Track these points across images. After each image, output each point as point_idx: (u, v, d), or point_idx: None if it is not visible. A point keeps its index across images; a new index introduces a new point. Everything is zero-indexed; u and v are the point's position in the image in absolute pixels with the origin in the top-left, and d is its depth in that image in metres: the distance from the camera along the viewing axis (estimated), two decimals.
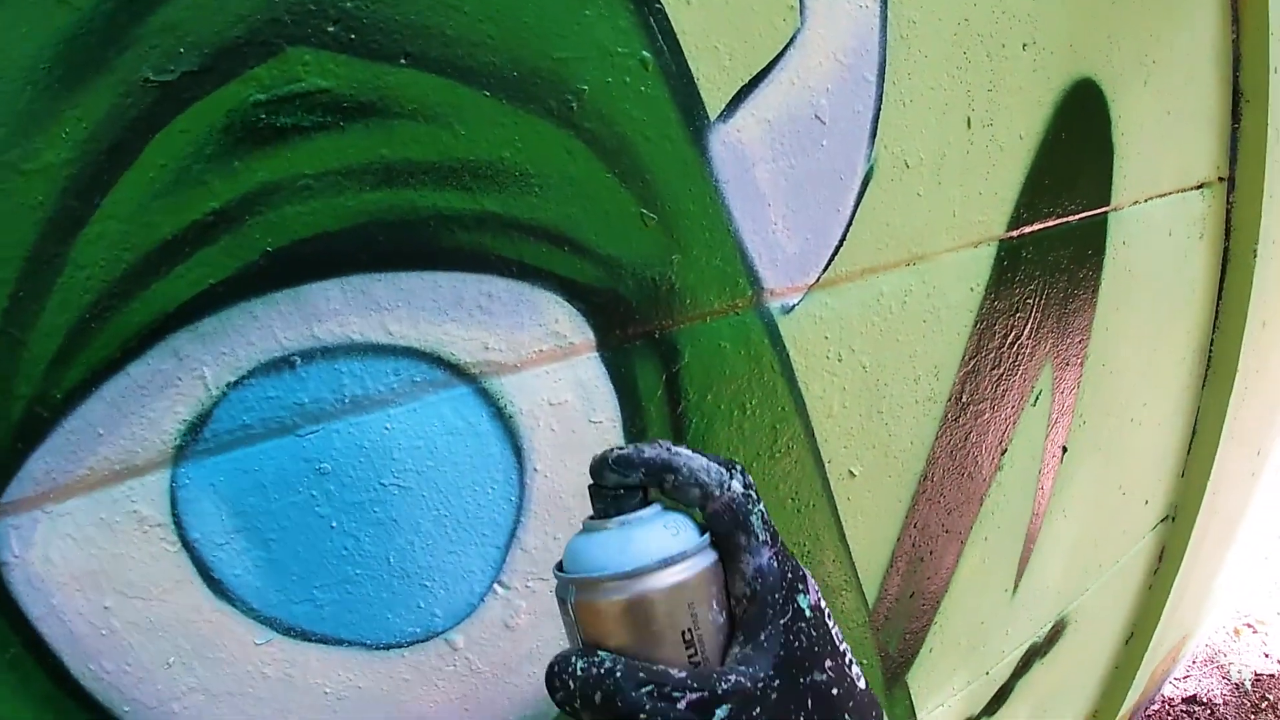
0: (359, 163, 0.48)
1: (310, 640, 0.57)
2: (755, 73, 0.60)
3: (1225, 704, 2.19)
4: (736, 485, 0.40)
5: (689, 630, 0.38)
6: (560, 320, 0.56)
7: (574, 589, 0.39)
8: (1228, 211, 1.23)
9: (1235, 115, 1.18)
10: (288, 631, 0.56)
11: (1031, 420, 1.01)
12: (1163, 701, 2.25)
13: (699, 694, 0.36)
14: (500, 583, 0.63)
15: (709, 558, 0.39)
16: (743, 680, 0.37)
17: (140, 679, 0.52)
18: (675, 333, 0.61)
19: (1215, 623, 2.36)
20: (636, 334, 0.59)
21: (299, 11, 0.44)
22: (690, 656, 0.39)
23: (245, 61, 0.44)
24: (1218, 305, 1.29)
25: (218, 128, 0.44)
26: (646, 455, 0.40)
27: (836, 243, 0.69)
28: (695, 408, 0.65)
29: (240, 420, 0.51)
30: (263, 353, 0.50)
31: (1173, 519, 1.45)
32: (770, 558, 0.39)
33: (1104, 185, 0.99)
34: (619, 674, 0.37)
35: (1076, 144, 0.92)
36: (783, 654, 0.38)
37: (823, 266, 0.69)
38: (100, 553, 0.48)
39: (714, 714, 0.36)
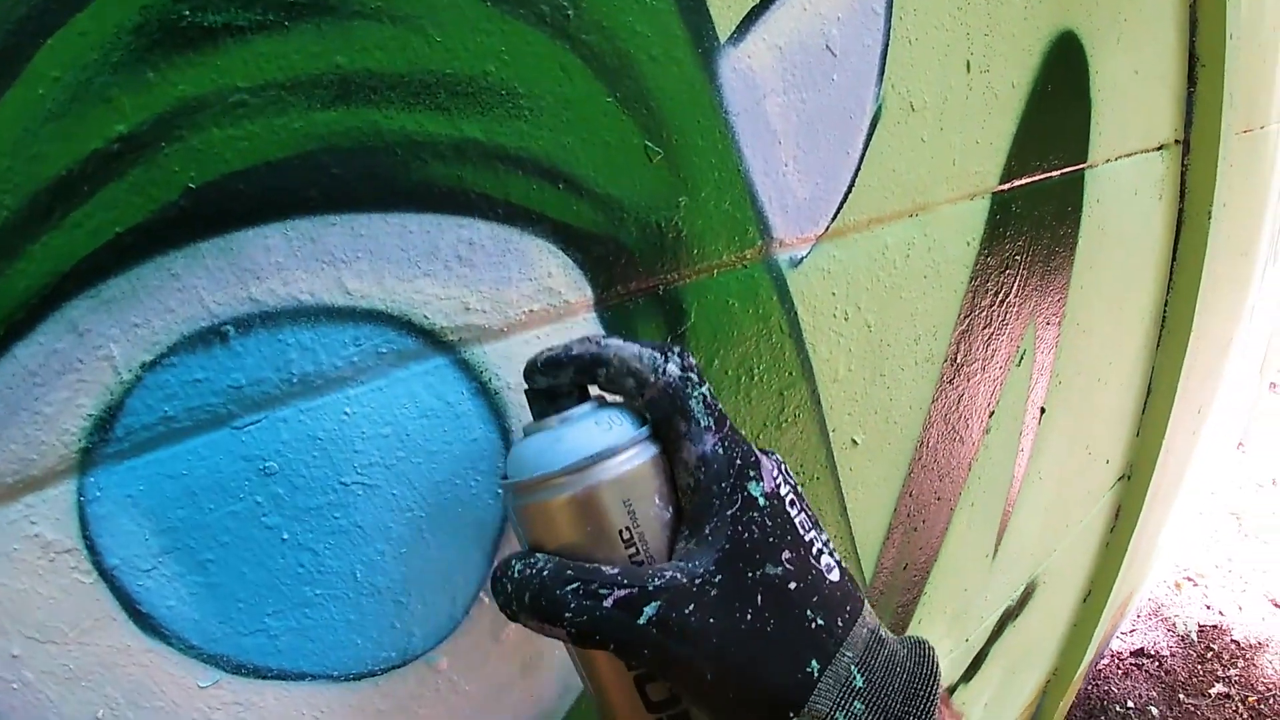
0: (308, 73, 0.38)
1: (266, 678, 0.48)
2: None
3: (1173, 655, 2.31)
4: (673, 368, 0.38)
5: (628, 528, 0.37)
6: (554, 274, 0.47)
7: (510, 493, 0.39)
8: (1183, 173, 1.24)
9: (1191, 79, 1.18)
10: (238, 669, 0.47)
11: (1016, 381, 0.98)
12: (1112, 656, 2.34)
13: (627, 591, 0.34)
14: (487, 592, 0.54)
15: (648, 451, 0.38)
16: (678, 576, 0.35)
17: None
18: (681, 288, 0.53)
19: (1157, 577, 2.48)
20: (639, 290, 0.51)
21: None
22: (631, 555, 0.37)
23: None
24: (1172, 265, 1.31)
25: (128, 28, 0.35)
26: (575, 352, 0.39)
27: (846, 188, 0.62)
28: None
29: (161, 411, 0.41)
30: (186, 322, 0.40)
31: (1129, 478, 1.48)
32: (715, 444, 0.37)
33: (1082, 141, 0.97)
34: (546, 573, 0.35)
35: (1060, 97, 0.89)
36: (728, 547, 0.36)
37: (832, 214, 0.62)
38: (0, 590, 0.40)
39: (642, 612, 0.34)
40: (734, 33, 0.51)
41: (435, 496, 0.48)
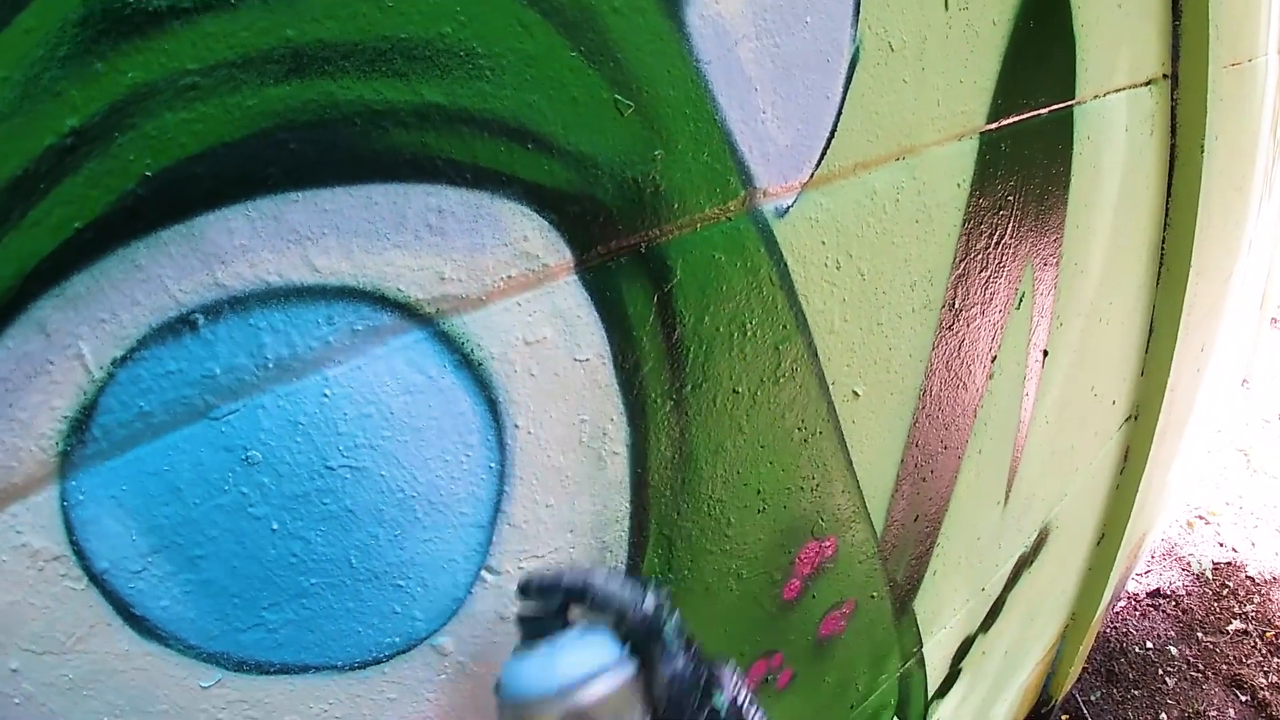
0: (258, 49, 0.37)
1: (268, 673, 0.47)
2: None
3: (1189, 594, 2.31)
4: (650, 602, 0.45)
5: None
6: (529, 237, 0.45)
7: (513, 710, 0.45)
8: (1173, 108, 1.21)
9: (1176, 11, 1.15)
10: (239, 666, 0.47)
11: (1016, 324, 0.97)
12: (1129, 598, 2.35)
13: None
14: (489, 568, 0.53)
15: (628, 669, 0.45)
16: None
17: None
18: (664, 245, 0.52)
19: (1170, 517, 2.48)
20: (620, 249, 0.50)
21: None
22: None
23: None
24: (1168, 202, 1.28)
25: (72, 21, 0.34)
26: (564, 583, 0.47)
27: (828, 133, 0.61)
28: (692, 333, 0.56)
29: (136, 407, 0.40)
30: (154, 314, 0.39)
31: (1136, 418, 1.47)
32: (685, 664, 0.45)
33: (1069, 78, 0.95)
34: None
35: (1043, 34, 0.87)
36: None
37: (815, 161, 0.60)
38: None
39: None
40: None
41: (426, 474, 0.47)
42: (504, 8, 0.41)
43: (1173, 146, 1.26)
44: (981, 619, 1.27)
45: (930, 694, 1.24)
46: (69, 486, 0.40)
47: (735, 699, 0.46)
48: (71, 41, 0.34)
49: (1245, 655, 2.12)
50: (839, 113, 0.61)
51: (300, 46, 0.38)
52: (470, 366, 0.46)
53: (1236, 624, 2.22)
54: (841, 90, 0.61)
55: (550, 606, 0.47)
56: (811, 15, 0.57)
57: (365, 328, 0.42)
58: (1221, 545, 2.49)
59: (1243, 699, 2.02)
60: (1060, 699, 2.01)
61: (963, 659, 1.30)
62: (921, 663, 1.14)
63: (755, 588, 0.72)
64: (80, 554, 0.41)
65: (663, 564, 0.62)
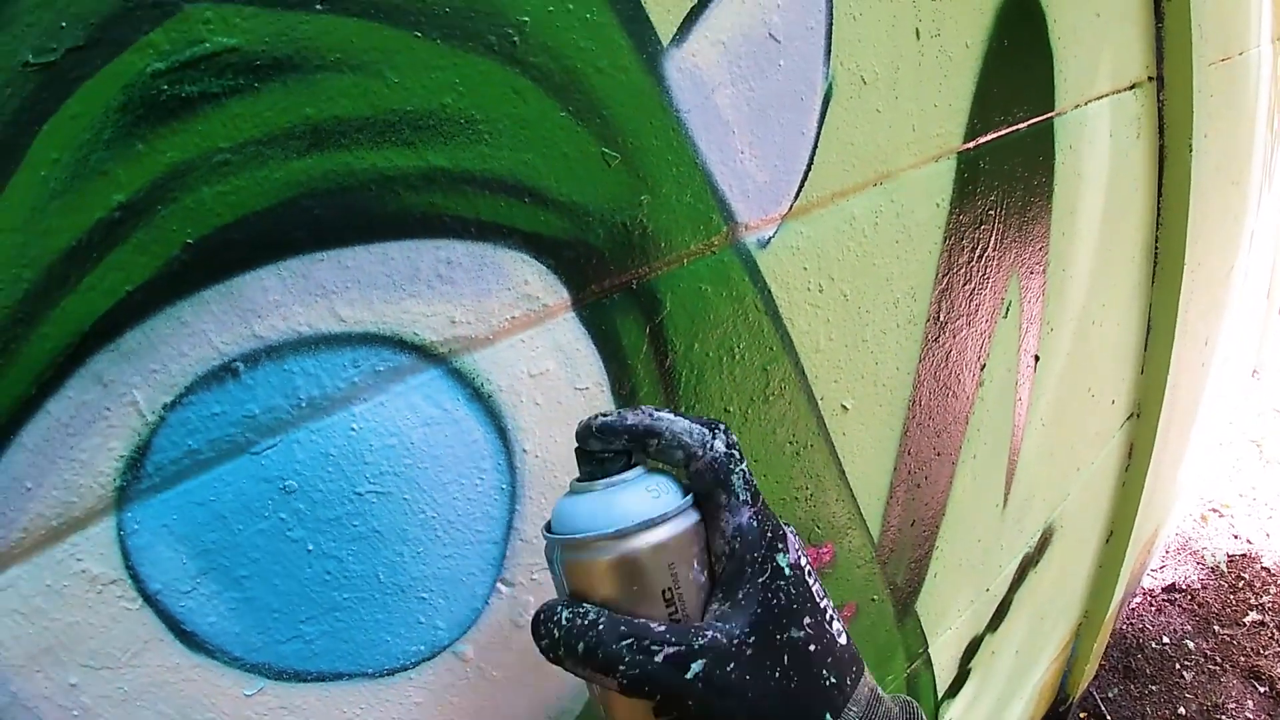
0: (281, 127, 0.42)
1: (305, 680, 0.51)
2: None
3: (1204, 588, 2.31)
4: (719, 444, 0.41)
5: (669, 589, 0.40)
6: (530, 281, 0.50)
7: (561, 548, 0.42)
8: (1160, 109, 1.25)
9: (1158, 14, 1.19)
10: (279, 675, 0.51)
11: (1005, 332, 1.00)
12: (1144, 594, 2.35)
13: (676, 648, 0.38)
14: (503, 580, 0.58)
15: (690, 518, 0.41)
16: (719, 636, 0.39)
17: None
18: (654, 280, 0.56)
19: (1182, 511, 2.48)
20: (613, 286, 0.55)
21: None
22: (671, 614, 0.40)
23: (138, 28, 0.38)
24: (1159, 202, 1.31)
25: (114, 107, 0.38)
26: (629, 422, 0.42)
27: (805, 167, 0.65)
28: (684, 359, 0.60)
29: (185, 446, 0.44)
30: (199, 363, 0.43)
31: (1138, 416, 1.49)
32: (750, 517, 0.41)
33: (1047, 91, 0.98)
34: (601, 626, 0.38)
35: (1018, 51, 0.91)
36: (759, 611, 0.40)
37: (794, 194, 0.65)
38: (54, 624, 0.43)
39: (689, 668, 0.38)
40: (676, 34, 0.54)
41: (444, 496, 0.52)
42: (498, 77, 0.47)
43: (1161, 147, 1.30)
44: (988, 619, 1.30)
45: (940, 694, 1.27)
46: (125, 517, 0.44)
47: (798, 562, 0.42)
48: (114, 125, 0.39)
49: (1263, 646, 2.12)
50: (814, 146, 0.66)
51: (318, 123, 0.43)
52: (481, 399, 0.51)
53: (1253, 615, 2.22)
54: (816, 125, 0.65)
55: (612, 447, 0.42)
56: (784, 58, 0.62)
57: (386, 368, 0.47)
58: (1236, 537, 2.48)
59: (1261, 690, 2.02)
60: (1078, 697, 2.02)
61: (972, 659, 1.32)
62: (928, 663, 1.17)
63: None
64: (135, 577, 0.45)
65: None
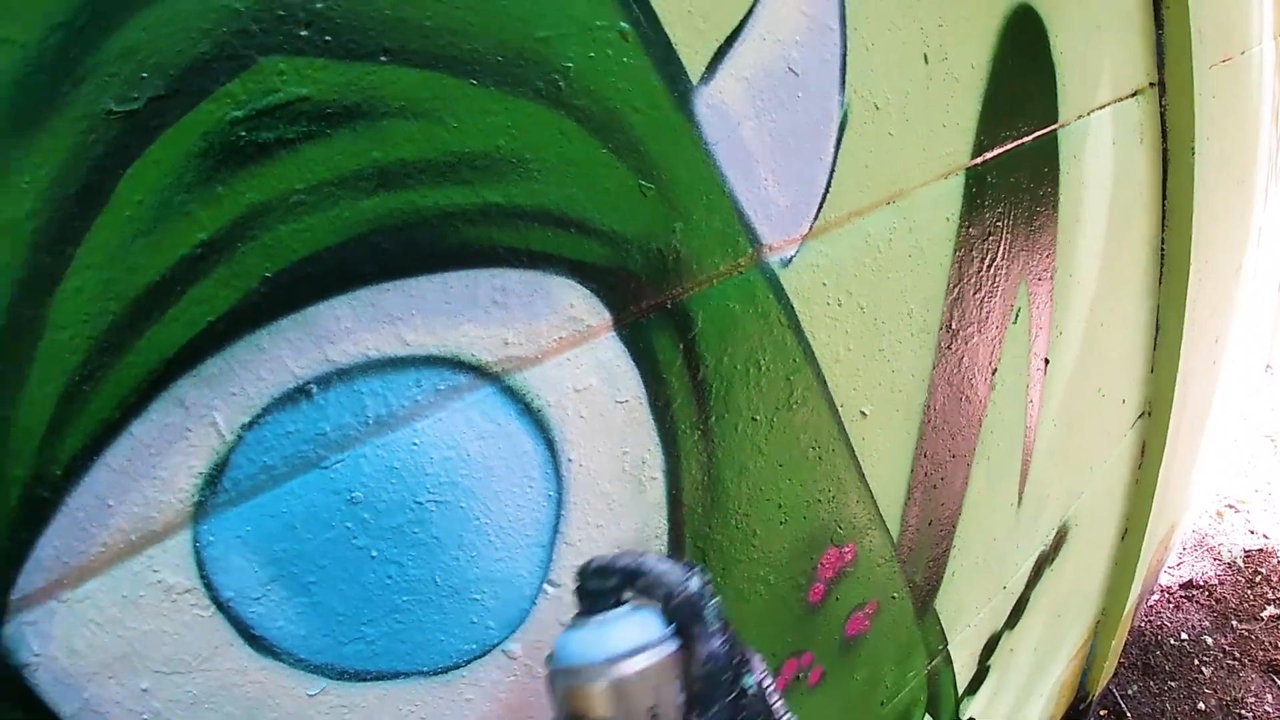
0: (351, 170, 0.46)
1: (365, 680, 0.55)
2: (729, 33, 0.59)
3: (1221, 583, 2.32)
4: (695, 583, 0.48)
5: (653, 707, 0.46)
6: (575, 304, 0.55)
7: (561, 677, 0.49)
8: (1162, 115, 1.28)
9: (1158, 21, 1.22)
10: (341, 676, 0.54)
11: (1014, 338, 1.04)
12: (1161, 590, 2.37)
13: None
14: (550, 582, 0.61)
15: (671, 646, 0.47)
16: None
17: None
18: (686, 300, 0.61)
19: (1198, 508, 2.49)
20: (650, 307, 0.59)
21: (266, 19, 0.41)
22: None
23: (216, 78, 0.41)
24: (1164, 204, 1.34)
25: (195, 153, 0.41)
26: (620, 564, 0.50)
27: (823, 190, 0.69)
28: (714, 372, 0.64)
29: (261, 462, 0.48)
30: (275, 386, 0.47)
31: (1149, 414, 1.52)
32: (720, 644, 0.47)
33: (1050, 104, 1.02)
34: None
35: (1022, 68, 0.95)
36: None
37: (813, 215, 0.69)
38: (129, 633, 0.45)
39: None
40: (704, 73, 0.58)
41: (497, 504, 0.56)
42: (546, 119, 0.51)
43: (1164, 151, 1.33)
44: (1006, 616, 1.33)
45: (960, 691, 1.30)
46: (201, 530, 0.47)
47: (762, 682, 0.49)
48: (195, 170, 0.41)
49: None
50: (832, 170, 0.70)
51: (385, 165, 0.46)
52: (531, 413, 0.55)
53: (1271, 610, 2.23)
54: (833, 151, 0.69)
55: (606, 585, 0.50)
56: (803, 90, 0.66)
57: (446, 387, 0.51)
58: (1252, 533, 2.49)
59: None
60: (1097, 694, 2.04)
61: (990, 656, 1.35)
62: (948, 660, 1.20)
63: (782, 591, 0.80)
64: (209, 586, 0.48)
65: None
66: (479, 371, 0.52)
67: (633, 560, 0.50)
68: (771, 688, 0.49)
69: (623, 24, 0.53)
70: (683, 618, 0.48)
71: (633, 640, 0.47)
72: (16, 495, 0.41)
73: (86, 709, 0.45)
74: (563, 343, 0.55)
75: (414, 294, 0.49)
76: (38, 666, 0.43)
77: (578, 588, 0.52)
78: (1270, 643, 2.14)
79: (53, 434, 0.41)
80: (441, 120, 0.47)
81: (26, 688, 0.43)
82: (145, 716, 0.46)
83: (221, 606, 0.48)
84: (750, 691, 0.48)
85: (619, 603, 0.50)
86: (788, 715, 0.49)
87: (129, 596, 0.45)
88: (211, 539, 0.47)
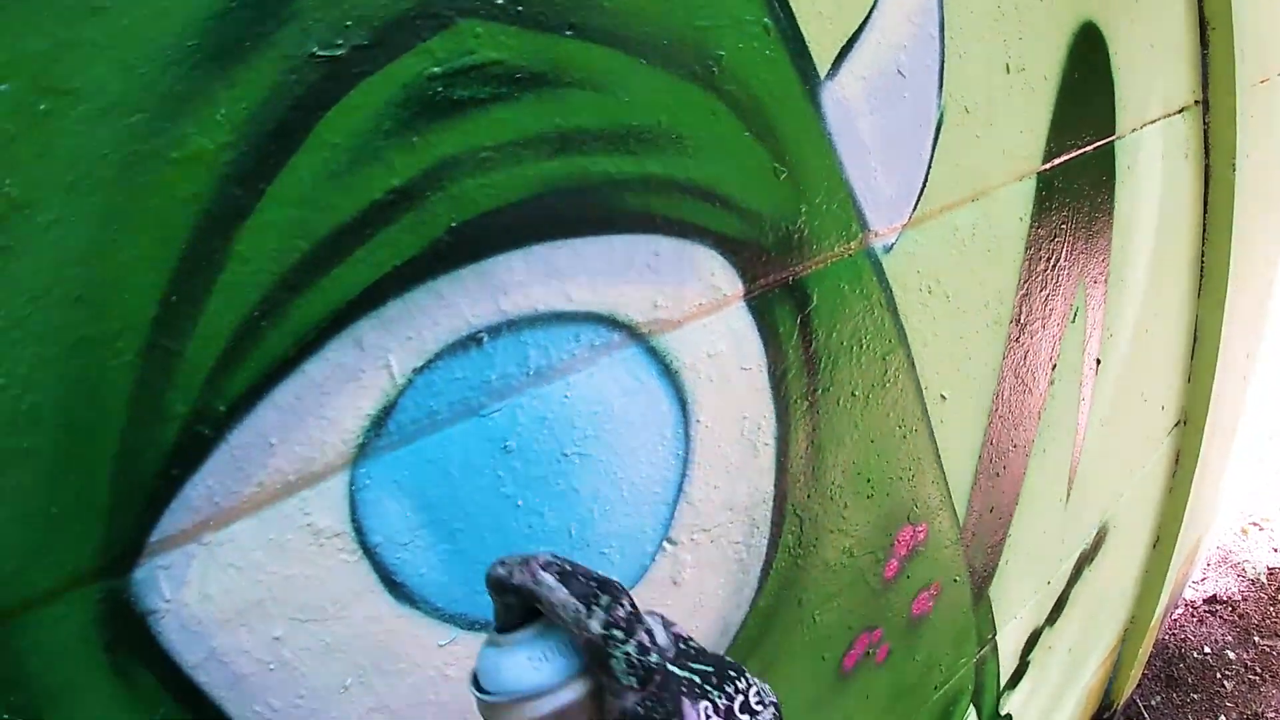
0: (535, 132, 0.48)
1: None
2: (851, 34, 0.64)
3: (1245, 599, 2.35)
4: (595, 626, 0.37)
5: None
6: (715, 273, 0.59)
7: (474, 697, 0.42)
8: (1205, 132, 1.33)
9: (1204, 42, 1.27)
10: (471, 626, 0.54)
11: (1072, 336, 1.08)
12: (1185, 605, 2.39)
13: None
14: (668, 539, 0.65)
15: (574, 691, 0.39)
16: None
17: (313, 710, 0.48)
18: (806, 277, 0.65)
19: (1223, 525, 2.52)
20: (775, 281, 0.63)
21: None
22: None
23: (417, 34, 0.42)
24: (1204, 218, 1.39)
25: (394, 102, 0.42)
26: (514, 580, 0.39)
27: (921, 184, 0.74)
28: (824, 347, 0.69)
29: (427, 407, 0.49)
30: (450, 333, 0.48)
31: (1184, 423, 1.56)
32: (635, 703, 0.37)
33: (1109, 116, 1.07)
34: None
35: (1086, 81, 1.00)
36: None
37: (912, 207, 0.74)
38: (269, 577, 0.45)
39: None
40: (830, 70, 0.63)
41: (633, 460, 0.60)
42: (700, 101, 0.56)
43: (1207, 166, 1.38)
44: (1048, 612, 1.36)
45: (1002, 684, 1.33)
46: (358, 473, 0.46)
47: None
48: (393, 118, 0.42)
49: None
50: (929, 167, 0.75)
51: (564, 131, 0.50)
52: (669, 374, 0.59)
53: None
54: (931, 149, 0.74)
55: (505, 600, 0.40)
56: (908, 91, 0.71)
57: (600, 344, 0.56)
58: (1276, 550, 2.52)
59: None
60: (1122, 703, 2.06)
61: (1030, 651, 1.38)
62: (995, 650, 1.23)
63: (863, 565, 0.84)
64: (359, 530, 0.47)
65: (794, 540, 0.75)
66: (629, 331, 0.57)
67: (529, 580, 0.39)
68: None
69: (766, 19, 0.58)
70: (590, 660, 0.38)
71: (522, 681, 0.39)
72: (175, 432, 0.40)
73: (212, 658, 0.44)
74: (702, 309, 0.59)
75: (581, 253, 0.53)
76: (165, 614, 0.42)
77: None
78: None
79: (222, 369, 0.40)
80: (614, 94, 0.51)
81: (149, 637, 0.41)
82: (272, 666, 0.46)
83: (368, 551, 0.48)
84: None
85: (533, 618, 0.41)
86: None
87: (275, 540, 0.44)
88: (368, 482, 0.47)
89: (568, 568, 0.39)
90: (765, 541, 0.72)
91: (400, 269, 0.45)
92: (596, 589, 0.38)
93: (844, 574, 0.82)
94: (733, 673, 0.41)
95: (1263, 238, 1.63)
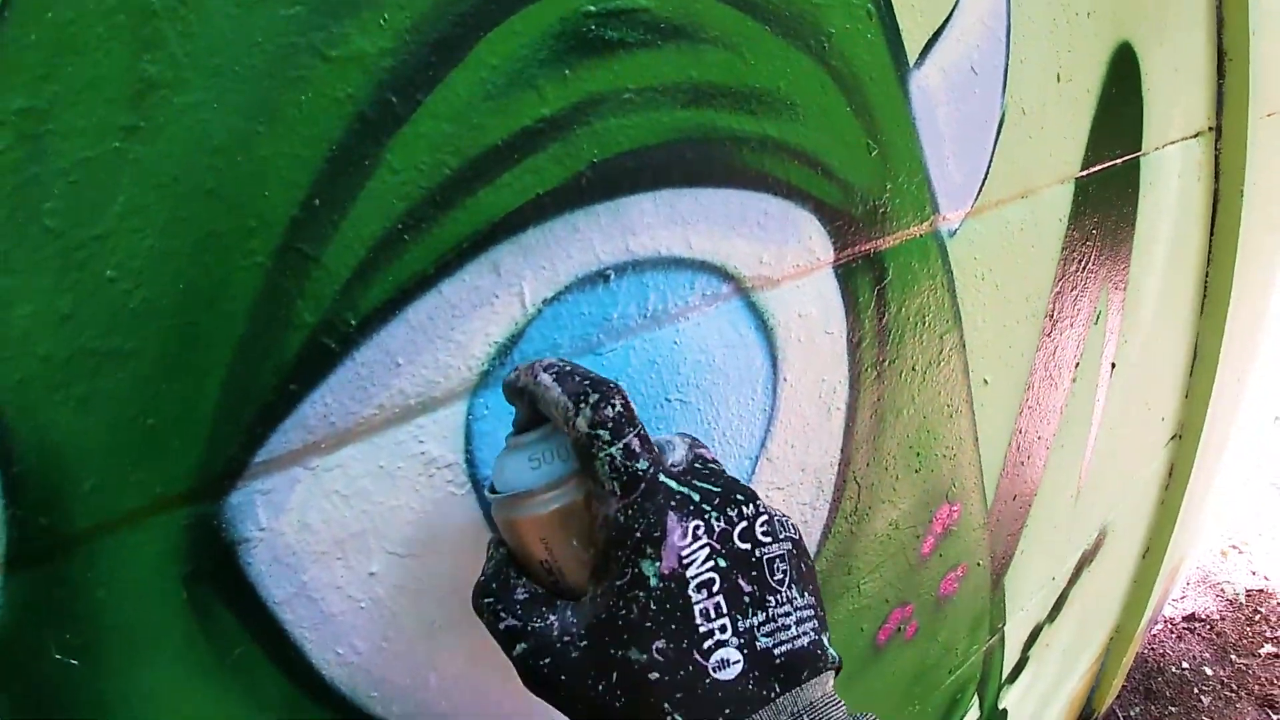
0: (672, 81, 0.50)
1: None
2: (936, 28, 0.70)
3: (1223, 619, 2.44)
4: (581, 423, 0.36)
5: (545, 561, 0.39)
6: (813, 238, 0.64)
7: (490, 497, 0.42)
8: (1216, 157, 1.41)
9: (1220, 71, 1.36)
10: None
11: (1094, 338, 1.15)
12: (1165, 621, 2.47)
13: (514, 623, 0.37)
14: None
15: (568, 495, 0.38)
16: (553, 626, 0.36)
17: (398, 653, 0.47)
18: (885, 251, 0.70)
19: (1204, 546, 2.62)
20: (859, 253, 0.68)
21: None
22: (553, 582, 0.40)
23: None
24: (1210, 240, 1.47)
25: (551, 33, 0.43)
26: (520, 384, 0.40)
27: (983, 176, 0.80)
28: (894, 320, 0.74)
29: (551, 339, 0.49)
30: (581, 267, 0.49)
31: (1180, 437, 1.63)
32: (617, 510, 0.36)
33: (1137, 133, 1.14)
34: (483, 577, 0.40)
35: (1121, 97, 1.07)
36: (603, 617, 0.35)
37: (975, 196, 0.79)
38: (375, 508, 0.43)
39: (515, 646, 0.37)
40: (918, 59, 0.68)
41: (726, 412, 0.64)
42: (812, 72, 0.60)
43: (1216, 190, 1.46)
44: (1049, 609, 1.42)
45: (1004, 677, 1.38)
46: (476, 403, 0.46)
47: (679, 570, 0.35)
48: (549, 49, 0.43)
49: (1277, 677, 2.24)
50: (990, 161, 0.80)
51: (698, 84, 0.52)
52: (765, 330, 0.64)
53: (1269, 648, 2.34)
54: (993, 144, 0.80)
55: (513, 402, 0.40)
56: (978, 88, 0.76)
57: (711, 293, 0.60)
58: (1254, 574, 2.62)
59: (1274, 718, 2.13)
60: (1102, 713, 2.12)
61: (1030, 647, 1.43)
62: (1003, 641, 1.28)
63: (905, 539, 0.89)
64: (470, 462, 0.47)
65: (851, 507, 0.79)
66: (736, 283, 0.61)
67: (528, 379, 0.39)
68: (707, 577, 0.35)
69: (870, 5, 0.63)
70: (580, 461, 0.38)
71: (519, 481, 0.39)
72: (299, 343, 0.38)
73: (301, 594, 0.41)
74: (798, 270, 0.64)
75: (703, 203, 0.56)
76: (259, 543, 0.39)
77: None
78: (1266, 678, 2.25)
79: (358, 280, 0.39)
80: (743, 55, 0.55)
81: (236, 569, 0.39)
82: (363, 604, 0.44)
83: (477, 485, 0.47)
84: (652, 583, 0.34)
85: (538, 423, 0.41)
86: (715, 626, 0.35)
87: (385, 467, 0.43)
88: (486, 412, 0.47)
89: (567, 368, 0.38)
90: (828, 506, 0.76)
91: (541, 198, 0.45)
92: (589, 387, 0.37)
93: (889, 545, 0.86)
94: (741, 497, 0.38)
95: (1260, 263, 1.72)
